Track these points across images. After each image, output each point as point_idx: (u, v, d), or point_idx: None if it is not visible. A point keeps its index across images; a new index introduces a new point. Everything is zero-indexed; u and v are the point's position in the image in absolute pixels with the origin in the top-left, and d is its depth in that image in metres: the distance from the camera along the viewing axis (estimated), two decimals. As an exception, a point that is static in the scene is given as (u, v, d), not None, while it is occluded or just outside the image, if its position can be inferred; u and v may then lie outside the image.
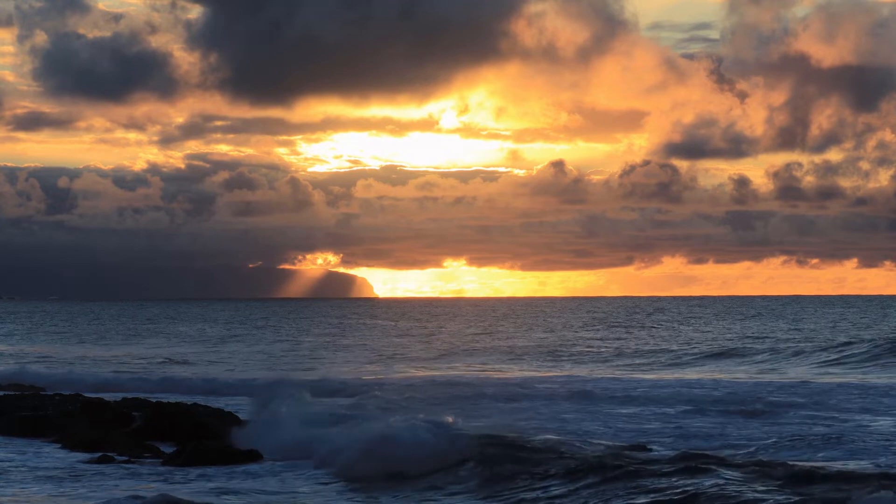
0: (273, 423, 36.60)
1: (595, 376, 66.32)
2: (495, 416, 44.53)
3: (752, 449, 34.75)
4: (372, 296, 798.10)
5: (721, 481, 25.62)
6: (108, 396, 47.35)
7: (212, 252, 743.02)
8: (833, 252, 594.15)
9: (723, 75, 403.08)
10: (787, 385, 58.74)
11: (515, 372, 72.37)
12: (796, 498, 23.91)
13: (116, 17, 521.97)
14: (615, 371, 73.04)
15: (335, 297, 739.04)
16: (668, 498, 24.93)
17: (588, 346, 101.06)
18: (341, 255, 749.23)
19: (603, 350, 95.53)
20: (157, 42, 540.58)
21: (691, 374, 70.66)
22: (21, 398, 46.91)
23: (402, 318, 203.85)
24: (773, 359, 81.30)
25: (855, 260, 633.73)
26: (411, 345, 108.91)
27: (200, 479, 30.41)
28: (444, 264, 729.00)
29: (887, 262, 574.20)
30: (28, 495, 27.90)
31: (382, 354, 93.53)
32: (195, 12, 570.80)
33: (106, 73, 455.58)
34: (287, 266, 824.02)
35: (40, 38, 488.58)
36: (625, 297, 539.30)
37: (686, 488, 25.18)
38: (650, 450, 31.96)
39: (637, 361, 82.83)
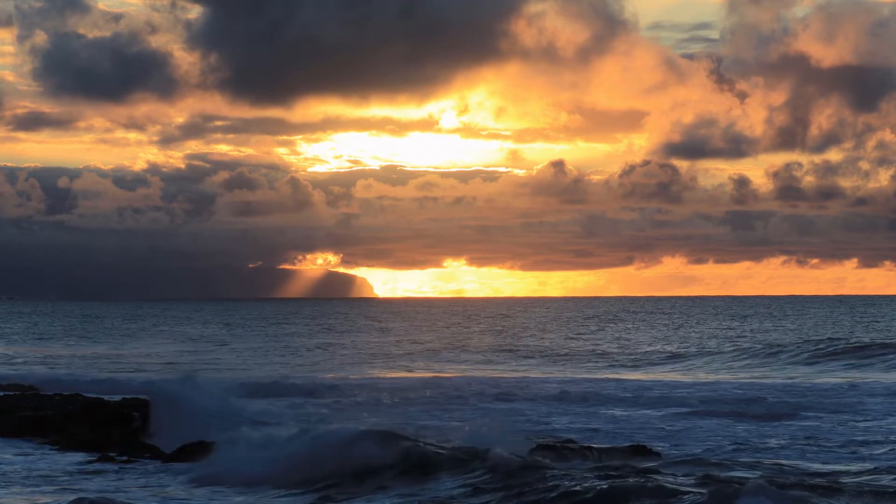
0: (171, 420, 37.09)
1: (566, 377, 66.99)
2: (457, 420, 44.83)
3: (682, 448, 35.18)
4: (372, 296, 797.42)
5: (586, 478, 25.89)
6: (108, 396, 47.68)
7: (212, 252, 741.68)
8: (833, 252, 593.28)
9: (723, 75, 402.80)
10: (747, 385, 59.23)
11: (488, 372, 72.61)
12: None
13: (116, 17, 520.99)
14: (587, 372, 73.60)
15: (335, 297, 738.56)
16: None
17: (569, 347, 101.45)
18: (341, 255, 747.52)
19: (581, 351, 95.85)
20: (157, 42, 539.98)
21: (668, 375, 71.31)
22: (21, 398, 47.26)
23: (397, 319, 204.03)
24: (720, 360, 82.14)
25: (855, 260, 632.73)
26: (398, 344, 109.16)
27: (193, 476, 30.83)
28: (444, 264, 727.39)
29: (887, 262, 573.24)
30: (27, 496, 28.16)
31: (366, 355, 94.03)
32: (195, 12, 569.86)
33: (106, 73, 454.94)
34: (287, 266, 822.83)
35: (40, 38, 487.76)
36: (625, 298, 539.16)
37: (562, 488, 25.18)
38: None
39: (616, 362, 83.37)
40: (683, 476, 26.36)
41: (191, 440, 34.18)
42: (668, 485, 24.13)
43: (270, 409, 42.37)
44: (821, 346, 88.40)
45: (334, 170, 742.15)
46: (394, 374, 70.84)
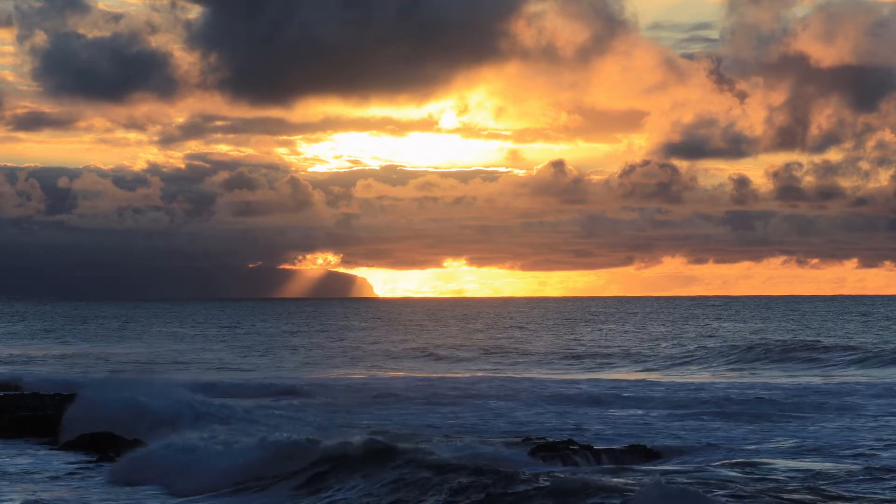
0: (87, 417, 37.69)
1: (563, 378, 67.24)
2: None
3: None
4: (372, 296, 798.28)
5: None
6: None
7: (212, 252, 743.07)
8: (833, 252, 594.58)
9: (722, 75, 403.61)
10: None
11: (485, 373, 72.62)
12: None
13: (116, 17, 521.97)
14: (585, 373, 73.89)
15: (335, 297, 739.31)
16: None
17: (567, 347, 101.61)
18: (341, 255, 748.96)
19: (579, 351, 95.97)
20: (157, 42, 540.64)
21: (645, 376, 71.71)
22: (21, 398, 47.49)
23: (394, 318, 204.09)
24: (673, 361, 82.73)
25: (855, 260, 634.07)
26: (393, 344, 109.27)
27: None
28: (444, 264, 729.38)
29: (887, 262, 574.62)
30: (26, 496, 28.30)
31: (360, 354, 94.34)
32: (195, 12, 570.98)
33: (106, 73, 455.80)
34: (287, 266, 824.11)
35: (40, 38, 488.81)
36: (625, 298, 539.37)
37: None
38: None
39: (614, 362, 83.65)
40: (646, 476, 26.44)
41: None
42: (610, 484, 23.91)
43: (231, 410, 42.18)
44: (816, 346, 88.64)
45: (334, 170, 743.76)
46: (390, 374, 70.95)
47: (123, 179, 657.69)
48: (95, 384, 44.79)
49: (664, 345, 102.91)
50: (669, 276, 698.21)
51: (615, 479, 24.95)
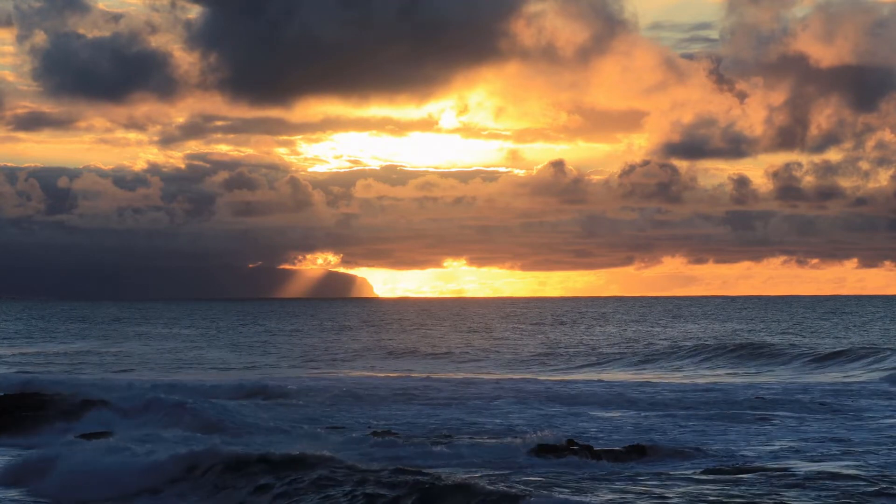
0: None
1: (561, 379, 67.15)
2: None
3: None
4: (372, 296, 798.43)
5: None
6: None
7: (212, 252, 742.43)
8: (833, 252, 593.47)
9: (722, 75, 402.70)
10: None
11: (482, 373, 72.69)
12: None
13: (116, 17, 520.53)
14: (551, 372, 74.03)
15: (335, 297, 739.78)
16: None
17: (564, 348, 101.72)
18: (341, 255, 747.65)
19: (577, 351, 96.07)
20: (156, 42, 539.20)
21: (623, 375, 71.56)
22: (21, 398, 47.56)
23: (393, 319, 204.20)
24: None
25: (855, 260, 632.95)
26: (389, 344, 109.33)
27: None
28: (444, 264, 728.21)
29: (887, 262, 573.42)
30: (33, 496, 28.43)
31: (355, 351, 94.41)
32: (195, 12, 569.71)
33: (106, 73, 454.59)
34: (287, 266, 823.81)
35: (40, 38, 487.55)
36: (625, 298, 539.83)
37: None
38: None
39: (611, 362, 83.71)
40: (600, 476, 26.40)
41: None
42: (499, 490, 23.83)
43: (214, 410, 41.95)
44: (815, 346, 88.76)
45: (334, 170, 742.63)
46: (387, 374, 71.01)
47: (123, 179, 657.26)
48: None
49: (663, 345, 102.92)
50: (669, 276, 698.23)
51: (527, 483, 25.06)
